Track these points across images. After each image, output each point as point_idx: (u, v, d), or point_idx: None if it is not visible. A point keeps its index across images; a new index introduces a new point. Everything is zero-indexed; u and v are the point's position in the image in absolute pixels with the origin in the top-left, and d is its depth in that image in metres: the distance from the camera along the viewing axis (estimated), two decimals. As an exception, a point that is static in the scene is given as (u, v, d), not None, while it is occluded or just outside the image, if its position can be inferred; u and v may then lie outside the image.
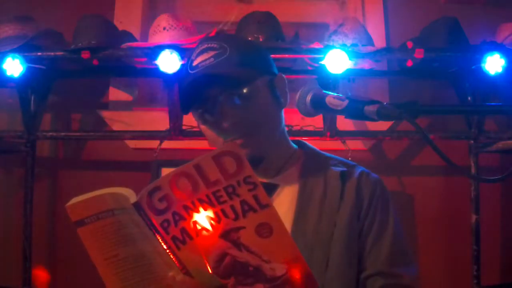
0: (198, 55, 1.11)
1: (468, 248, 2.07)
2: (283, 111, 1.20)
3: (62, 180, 2.31)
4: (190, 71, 1.11)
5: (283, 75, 1.20)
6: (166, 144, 2.14)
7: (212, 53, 1.09)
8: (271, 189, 1.13)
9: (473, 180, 2.06)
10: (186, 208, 0.89)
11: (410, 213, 2.26)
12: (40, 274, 2.13)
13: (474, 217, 2.05)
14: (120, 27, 2.20)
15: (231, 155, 0.87)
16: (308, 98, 1.03)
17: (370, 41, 2.04)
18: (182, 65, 1.84)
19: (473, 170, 2.07)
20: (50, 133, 2.16)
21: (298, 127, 2.14)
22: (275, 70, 1.19)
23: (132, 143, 2.28)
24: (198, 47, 1.13)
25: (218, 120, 1.10)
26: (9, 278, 2.16)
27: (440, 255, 2.23)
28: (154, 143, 2.14)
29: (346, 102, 0.95)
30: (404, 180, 2.28)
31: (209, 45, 1.11)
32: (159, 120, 2.18)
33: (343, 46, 1.93)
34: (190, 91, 1.10)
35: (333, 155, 1.25)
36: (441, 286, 2.23)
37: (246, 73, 1.09)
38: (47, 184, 2.30)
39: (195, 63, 1.10)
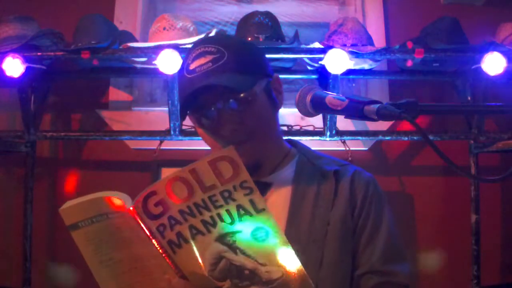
0: (195, 58, 1.10)
1: (468, 248, 2.07)
2: (278, 112, 1.20)
3: (62, 180, 2.31)
4: (186, 75, 1.10)
5: (278, 76, 1.20)
6: (166, 144, 2.14)
7: (209, 57, 1.08)
8: (264, 188, 1.13)
9: (473, 180, 2.06)
10: (182, 212, 0.89)
11: (410, 213, 2.26)
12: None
13: (474, 217, 2.04)
14: (120, 27, 2.20)
15: (227, 159, 0.87)
16: (308, 98, 1.03)
17: (370, 41, 2.04)
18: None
19: (473, 170, 2.06)
20: (50, 133, 2.16)
21: (298, 127, 2.14)
22: (271, 71, 1.19)
23: (132, 143, 2.28)
24: (194, 49, 1.12)
25: (216, 126, 1.10)
26: (9, 278, 2.16)
27: (440, 255, 2.23)
28: (154, 143, 2.14)
29: (346, 102, 0.95)
30: (404, 180, 2.28)
31: (206, 48, 1.10)
32: (159, 120, 2.18)
33: (343, 46, 1.93)
34: (188, 96, 1.09)
35: (326, 154, 1.25)
36: (441, 286, 2.22)
37: (244, 79, 1.08)
38: (47, 184, 2.30)
39: (192, 67, 1.09)
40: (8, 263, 2.19)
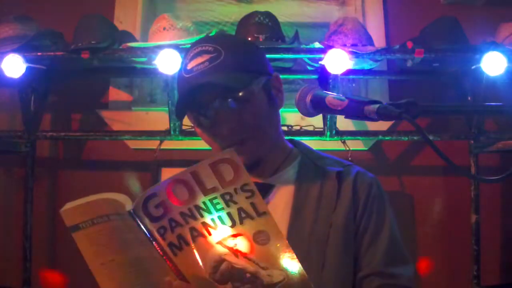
0: (192, 58, 1.09)
1: (468, 248, 2.06)
2: (279, 111, 1.19)
3: (62, 180, 2.31)
4: (184, 75, 1.10)
5: (278, 75, 1.19)
6: (166, 144, 2.14)
7: (206, 56, 1.07)
8: (266, 189, 1.13)
9: (473, 180, 2.06)
10: (183, 214, 0.88)
11: (410, 213, 2.26)
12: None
13: (474, 217, 2.04)
14: (120, 27, 2.20)
15: (228, 162, 0.87)
16: (308, 98, 1.03)
17: (370, 41, 2.04)
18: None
19: (473, 170, 2.07)
20: (50, 133, 2.16)
21: (298, 127, 2.14)
22: (271, 70, 1.18)
23: (132, 143, 2.28)
24: (192, 49, 1.11)
25: (213, 125, 1.09)
26: (9, 278, 2.16)
27: (440, 255, 2.23)
28: (154, 143, 2.14)
29: (346, 102, 0.94)
30: (404, 180, 2.28)
31: (203, 47, 1.09)
32: (159, 120, 2.18)
33: (343, 46, 1.93)
34: (185, 95, 1.09)
35: (328, 155, 1.24)
36: (441, 286, 2.22)
37: (241, 77, 1.08)
38: (47, 184, 2.30)
39: (189, 67, 1.09)
40: (8, 263, 2.19)
